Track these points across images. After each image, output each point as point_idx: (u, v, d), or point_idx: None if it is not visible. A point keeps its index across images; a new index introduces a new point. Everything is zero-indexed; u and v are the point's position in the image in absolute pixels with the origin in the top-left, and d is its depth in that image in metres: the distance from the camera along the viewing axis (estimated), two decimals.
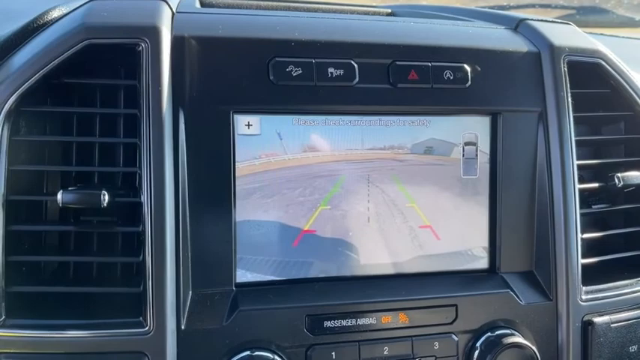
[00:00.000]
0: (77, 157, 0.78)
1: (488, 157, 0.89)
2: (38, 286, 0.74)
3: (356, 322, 0.79)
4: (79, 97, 0.78)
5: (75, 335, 0.70)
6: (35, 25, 0.80)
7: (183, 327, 0.74)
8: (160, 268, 0.72)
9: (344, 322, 0.79)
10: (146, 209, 0.73)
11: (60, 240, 0.78)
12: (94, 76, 0.77)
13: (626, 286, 0.91)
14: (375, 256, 0.85)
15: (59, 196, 0.71)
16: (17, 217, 0.73)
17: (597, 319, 0.86)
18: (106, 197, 0.72)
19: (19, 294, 0.73)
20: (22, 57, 0.76)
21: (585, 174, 0.92)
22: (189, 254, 0.76)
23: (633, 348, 0.89)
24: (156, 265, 0.72)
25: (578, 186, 0.88)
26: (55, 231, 0.77)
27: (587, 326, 0.86)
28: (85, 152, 0.79)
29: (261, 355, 0.74)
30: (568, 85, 0.89)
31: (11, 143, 0.72)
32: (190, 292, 0.76)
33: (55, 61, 0.73)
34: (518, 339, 0.81)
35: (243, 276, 0.81)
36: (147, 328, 0.72)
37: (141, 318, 0.72)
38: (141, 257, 0.73)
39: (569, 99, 0.89)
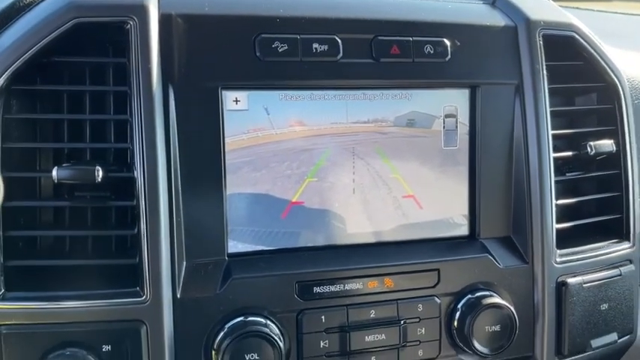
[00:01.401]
0: (69, 135, 0.80)
1: (468, 128, 0.92)
2: (35, 260, 0.77)
3: (344, 287, 0.83)
4: (68, 75, 0.79)
5: (74, 305, 0.73)
6: (21, 4, 0.81)
7: (178, 295, 0.77)
8: (154, 239, 0.75)
9: (332, 288, 0.83)
10: (139, 184, 0.75)
11: (55, 216, 0.80)
12: (83, 55, 0.78)
13: (597, 248, 0.96)
14: (360, 226, 0.89)
15: (54, 172, 0.73)
16: (12, 194, 0.75)
17: (571, 280, 0.92)
18: (100, 172, 0.74)
19: (17, 268, 0.75)
20: (9, 37, 0.77)
21: (559, 143, 0.96)
22: (182, 226, 0.79)
23: (604, 306, 0.94)
24: (151, 237, 0.75)
25: (552, 155, 0.92)
26: (50, 207, 0.79)
27: (561, 287, 0.91)
28: (76, 130, 0.80)
29: (255, 321, 0.78)
30: (543, 57, 0.92)
31: (3, 121, 0.74)
32: (184, 262, 0.79)
33: (44, 41, 0.74)
34: (497, 300, 0.86)
35: (234, 247, 0.84)
36: (144, 297, 0.75)
37: (137, 288, 0.75)
38: (135, 230, 0.75)
39: (545, 71, 0.92)
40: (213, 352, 0.77)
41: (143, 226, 0.75)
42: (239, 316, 0.78)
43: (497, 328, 0.86)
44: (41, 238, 0.79)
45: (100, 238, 0.79)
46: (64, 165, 0.74)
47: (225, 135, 0.82)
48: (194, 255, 0.80)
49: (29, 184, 0.78)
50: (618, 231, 1.00)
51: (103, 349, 0.73)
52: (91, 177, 0.73)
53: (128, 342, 0.74)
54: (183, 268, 0.78)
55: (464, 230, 0.93)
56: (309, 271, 0.82)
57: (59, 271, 0.77)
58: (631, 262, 0.99)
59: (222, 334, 0.77)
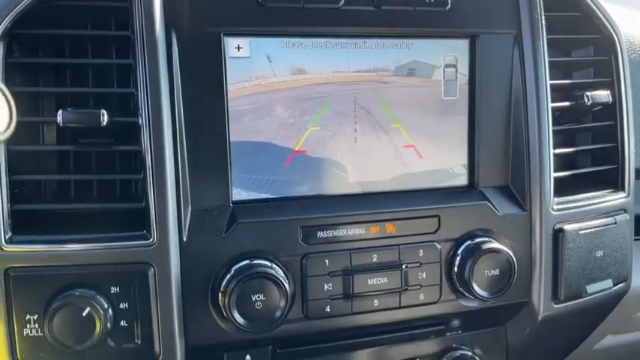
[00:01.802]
0: (72, 82, 0.79)
1: (467, 79, 0.93)
2: (42, 204, 0.77)
3: (347, 232, 0.85)
4: (71, 20, 0.79)
5: (82, 248, 0.74)
6: None
7: (185, 239, 0.78)
8: (160, 183, 0.76)
9: (335, 233, 0.84)
10: (144, 128, 0.76)
11: (59, 163, 0.80)
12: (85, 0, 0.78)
13: (593, 197, 0.98)
14: (362, 175, 0.90)
15: (59, 115, 0.73)
16: (17, 139, 0.75)
17: (567, 227, 0.94)
18: (105, 116, 0.74)
19: (24, 213, 0.75)
20: None
21: (557, 95, 0.97)
22: (187, 173, 0.79)
23: (599, 253, 0.97)
24: (156, 181, 0.76)
25: (550, 104, 0.93)
26: (55, 153, 0.79)
27: (558, 233, 0.93)
28: (78, 78, 0.80)
29: (260, 263, 0.79)
30: (542, 8, 0.93)
31: (6, 65, 0.74)
32: (190, 208, 0.80)
33: None
34: (496, 245, 0.88)
35: (239, 194, 0.85)
36: (151, 240, 0.76)
37: (144, 231, 0.76)
38: (141, 175, 0.76)
39: (543, 21, 0.93)
40: (220, 294, 0.78)
41: (149, 170, 0.76)
42: (244, 259, 0.80)
43: (496, 272, 0.88)
44: (46, 184, 0.80)
45: (104, 185, 0.80)
46: (68, 109, 0.74)
47: (228, 82, 0.82)
48: (199, 201, 0.81)
49: (34, 130, 0.78)
50: (613, 181, 1.02)
51: (112, 291, 0.74)
52: (96, 120, 0.74)
53: (136, 284, 0.75)
54: (189, 214, 0.79)
55: (463, 180, 0.95)
56: (312, 216, 0.83)
57: (65, 217, 0.78)
58: (626, 211, 1.01)
59: (228, 276, 0.78)
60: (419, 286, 0.87)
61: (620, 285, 1.02)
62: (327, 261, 0.83)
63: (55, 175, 0.79)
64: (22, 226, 0.75)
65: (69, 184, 0.79)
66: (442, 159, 0.93)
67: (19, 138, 0.75)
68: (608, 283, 0.99)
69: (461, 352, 0.98)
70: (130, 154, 0.79)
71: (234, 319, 0.77)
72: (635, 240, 1.07)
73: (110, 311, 0.74)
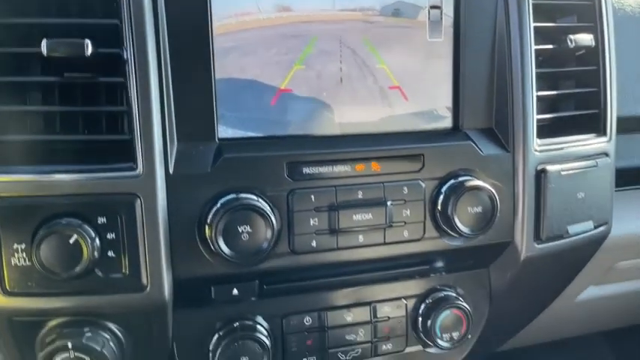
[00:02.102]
0: (56, 13, 0.79)
1: (452, 20, 0.94)
2: (27, 135, 0.77)
3: (332, 169, 0.86)
4: None
5: (68, 178, 0.74)
6: None
7: (171, 172, 0.78)
8: (146, 115, 0.76)
9: (321, 169, 0.85)
10: (129, 60, 0.76)
11: (43, 96, 0.80)
12: None
13: (575, 141, 1.00)
14: (348, 115, 0.91)
15: (43, 46, 0.73)
16: (1, 71, 0.75)
17: (550, 168, 0.95)
18: (89, 47, 0.74)
19: (9, 144, 0.76)
20: None
21: (541, 38, 0.98)
22: (173, 108, 0.80)
23: (580, 194, 0.99)
24: (142, 113, 0.76)
25: (534, 47, 0.94)
26: (40, 86, 0.79)
27: (540, 174, 0.95)
28: (63, 9, 0.80)
29: (246, 197, 0.80)
30: None
31: None
32: (175, 142, 0.80)
33: None
34: (479, 182, 0.89)
35: (224, 132, 0.85)
36: (137, 171, 0.76)
37: (131, 163, 0.77)
38: (126, 106, 0.76)
39: None
40: (207, 227, 0.79)
41: (134, 101, 0.76)
42: (231, 193, 0.80)
43: (479, 209, 0.89)
44: (31, 119, 0.80)
45: (90, 119, 0.80)
46: (53, 39, 0.74)
47: (213, 19, 0.82)
48: (185, 137, 0.81)
49: (18, 63, 0.78)
50: (595, 126, 1.03)
51: (99, 221, 0.75)
52: (80, 51, 0.74)
53: (123, 215, 0.76)
54: (175, 148, 0.80)
55: (448, 122, 0.96)
56: (298, 152, 0.84)
57: (51, 150, 0.78)
58: (607, 155, 1.03)
59: (214, 209, 0.79)
60: (403, 223, 0.89)
61: (601, 228, 1.05)
62: (312, 197, 0.84)
63: (40, 106, 0.79)
64: (7, 156, 0.75)
65: (54, 118, 0.79)
66: (427, 101, 0.94)
67: (3, 70, 0.75)
68: (589, 224, 1.01)
69: (445, 292, 1.00)
70: (115, 87, 0.79)
71: (221, 249, 0.78)
72: (617, 191, 1.09)
73: (97, 241, 0.74)
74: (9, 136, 0.76)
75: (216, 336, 0.88)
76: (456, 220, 0.88)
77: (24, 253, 0.74)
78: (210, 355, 0.88)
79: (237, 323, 0.89)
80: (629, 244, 1.23)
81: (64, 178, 0.74)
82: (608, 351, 2.24)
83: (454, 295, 1.00)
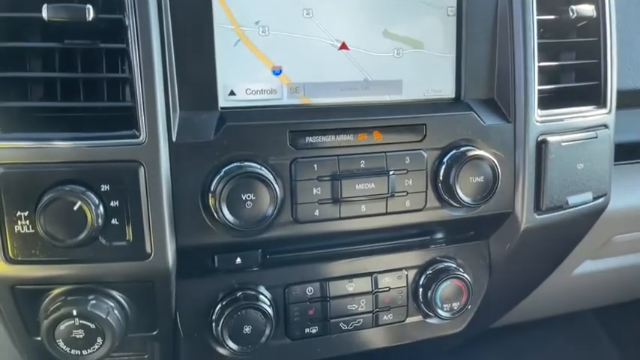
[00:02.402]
0: None
1: None
2: (28, 102, 0.77)
3: (335, 138, 0.85)
4: None
5: (71, 145, 0.74)
6: None
7: (174, 139, 0.78)
8: (149, 82, 0.76)
9: (324, 138, 0.85)
10: (131, 26, 0.75)
11: (44, 63, 0.79)
12: None
13: (575, 112, 1.00)
14: (350, 85, 0.90)
15: (44, 10, 0.72)
16: (1, 37, 0.74)
17: (550, 139, 0.96)
18: (91, 11, 0.73)
19: (10, 111, 0.75)
20: None
21: (543, 8, 0.97)
22: (175, 76, 0.79)
23: (580, 166, 0.99)
24: (145, 80, 0.75)
25: (536, 17, 0.94)
26: (40, 53, 0.78)
27: (541, 145, 0.95)
28: None
29: (250, 165, 0.80)
30: None
31: None
32: (178, 111, 0.80)
33: None
34: (481, 152, 0.90)
35: (226, 102, 0.85)
36: (140, 138, 0.76)
37: (134, 130, 0.76)
38: (128, 73, 0.76)
39: None
40: (210, 195, 0.79)
41: (136, 68, 0.75)
42: (234, 162, 0.80)
43: (480, 179, 0.90)
44: (32, 87, 0.79)
45: (91, 86, 0.79)
46: (53, 4, 0.73)
47: None
48: (187, 106, 0.81)
49: (18, 28, 0.77)
50: (595, 98, 1.03)
51: (102, 189, 0.75)
52: (81, 15, 0.73)
53: (126, 182, 0.76)
54: (177, 116, 0.80)
55: (450, 93, 0.96)
56: (301, 121, 0.84)
57: (52, 117, 0.78)
58: (607, 127, 1.03)
59: (217, 177, 0.79)
60: (405, 193, 0.89)
61: (600, 200, 1.05)
62: (315, 166, 0.84)
63: (41, 72, 0.78)
64: (10, 123, 0.74)
65: (55, 86, 0.78)
66: (429, 72, 0.94)
67: (3, 35, 0.74)
68: (589, 195, 1.01)
69: (445, 263, 1.01)
70: (116, 54, 0.79)
71: (225, 217, 0.78)
72: (615, 165, 1.10)
73: (101, 208, 0.74)
74: (9, 103, 0.75)
75: (219, 306, 0.89)
76: (458, 190, 0.89)
77: (27, 221, 0.74)
78: (213, 324, 0.88)
79: (240, 293, 0.89)
80: (626, 217, 1.25)
81: (65, 145, 0.74)
82: (598, 328, 2.27)
83: (454, 266, 1.01)
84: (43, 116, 0.78)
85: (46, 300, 0.79)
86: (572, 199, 0.99)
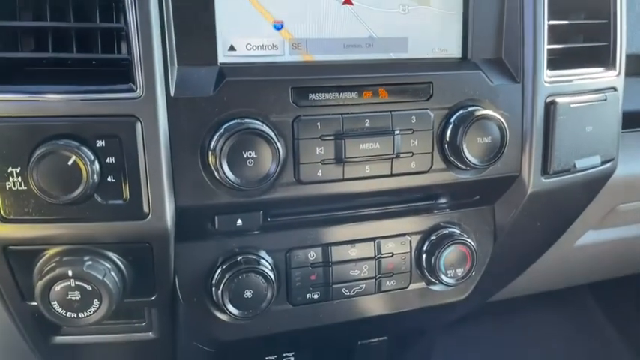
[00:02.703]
0: None
1: None
2: (19, 52, 0.73)
3: (339, 95, 0.82)
4: None
5: (65, 98, 0.71)
6: None
7: (172, 94, 0.75)
8: (145, 33, 0.72)
9: (328, 96, 0.82)
10: None
11: (35, 14, 0.75)
12: None
13: (585, 73, 0.98)
14: (354, 42, 0.87)
15: None
16: None
17: (559, 100, 0.93)
18: None
19: (2, 63, 0.71)
20: None
21: None
22: (172, 29, 0.76)
23: (589, 128, 0.97)
24: (141, 31, 0.72)
25: None
26: (30, 2, 0.74)
27: (549, 106, 0.93)
28: None
29: (251, 122, 0.77)
30: None
31: None
32: (176, 65, 0.77)
33: None
34: (489, 112, 0.87)
35: (226, 57, 0.82)
36: (137, 92, 0.73)
37: (130, 84, 0.73)
38: (123, 22, 0.72)
39: None
40: (210, 153, 0.76)
41: (132, 18, 0.72)
42: (234, 118, 0.77)
43: (488, 140, 0.87)
44: (23, 40, 0.75)
45: (84, 39, 0.76)
46: None
47: None
48: (185, 61, 0.78)
49: None
50: (605, 60, 1.01)
51: (97, 144, 0.72)
52: None
53: (123, 138, 0.73)
54: (175, 70, 0.76)
55: (457, 53, 0.93)
56: (304, 77, 0.81)
57: (46, 70, 0.74)
58: (615, 89, 1.01)
59: (217, 134, 0.76)
60: (410, 154, 0.86)
61: (607, 165, 1.03)
62: (318, 124, 0.81)
63: (31, 21, 0.74)
64: (2, 76, 0.71)
65: (46, 38, 0.75)
66: (436, 30, 0.91)
67: None
68: (596, 159, 0.99)
69: (450, 229, 0.99)
70: (110, 6, 0.75)
71: (226, 176, 0.75)
72: (623, 132, 1.08)
73: (97, 164, 0.71)
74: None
75: (219, 270, 0.86)
76: (465, 151, 0.86)
77: (19, 177, 0.71)
78: (214, 288, 0.86)
79: (241, 257, 0.87)
80: (631, 185, 1.23)
81: (59, 98, 0.71)
82: (593, 303, 2.28)
83: (459, 231, 0.99)
84: (34, 70, 0.75)
85: (41, 261, 0.76)
86: (579, 163, 0.97)
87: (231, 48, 0.82)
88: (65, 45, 0.75)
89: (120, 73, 0.74)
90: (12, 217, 0.72)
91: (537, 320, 2.19)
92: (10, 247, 0.75)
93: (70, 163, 0.69)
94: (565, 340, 2.16)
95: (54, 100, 0.71)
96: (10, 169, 0.70)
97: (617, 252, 1.52)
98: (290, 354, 1.14)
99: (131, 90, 0.73)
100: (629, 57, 1.06)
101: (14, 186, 0.71)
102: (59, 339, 0.95)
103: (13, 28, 0.74)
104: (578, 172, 0.98)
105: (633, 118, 1.25)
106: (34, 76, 0.74)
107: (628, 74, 1.05)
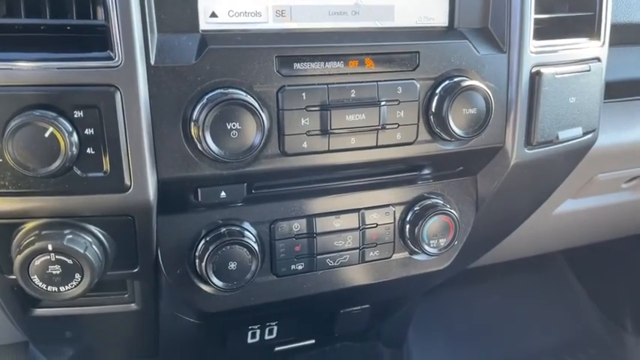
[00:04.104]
0: None
1: None
2: None
3: (324, 65, 0.81)
4: None
5: (40, 66, 0.68)
6: None
7: (152, 63, 0.72)
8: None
9: (313, 65, 0.80)
10: None
11: None
12: None
13: (570, 44, 0.97)
14: (339, 9, 0.85)
15: None
16: None
17: (544, 70, 0.93)
18: None
19: None
20: None
21: None
22: None
23: (572, 99, 0.97)
24: None
25: None
26: None
27: (535, 76, 0.92)
28: None
29: (234, 92, 0.75)
30: None
31: None
32: (156, 32, 0.74)
33: None
34: (475, 82, 0.86)
35: (208, 24, 0.79)
36: (116, 60, 0.70)
37: (108, 51, 0.70)
38: None
39: None
40: (192, 124, 0.74)
41: None
42: (217, 88, 0.75)
43: (473, 111, 0.87)
44: None
45: (57, 6, 0.72)
46: None
47: None
48: (164, 28, 0.75)
49: None
50: (589, 30, 1.00)
51: (75, 115, 0.69)
52: None
53: (102, 108, 0.70)
54: (155, 38, 0.74)
55: (443, 21, 0.91)
56: (289, 46, 0.79)
57: (18, 37, 0.71)
58: (599, 60, 1.01)
59: (200, 104, 0.74)
60: (396, 125, 0.85)
61: (589, 136, 1.04)
62: (304, 94, 0.80)
63: None
64: None
65: (18, 3, 0.71)
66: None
67: None
68: (579, 130, 1.00)
69: (433, 200, 0.99)
70: None
71: (209, 147, 0.74)
72: (604, 102, 1.08)
73: (75, 136, 0.69)
74: None
75: (202, 242, 0.86)
76: (450, 122, 0.85)
77: None
78: (197, 261, 0.85)
79: (225, 229, 0.86)
80: (610, 155, 1.25)
81: (33, 66, 0.68)
82: (567, 269, 2.36)
83: (442, 202, 1.00)
84: (5, 36, 0.71)
85: (19, 235, 0.74)
86: (562, 134, 0.98)
87: (213, 14, 0.79)
88: (38, 11, 0.72)
89: (96, 41, 0.71)
90: None
91: (514, 285, 2.26)
92: None
93: (46, 134, 0.66)
94: (540, 303, 2.23)
95: (28, 69, 0.67)
96: None
97: (592, 220, 1.55)
98: (273, 323, 1.15)
99: (109, 58, 0.70)
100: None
101: None
102: (39, 311, 0.93)
103: None
104: (561, 143, 0.99)
105: (613, 88, 1.27)
106: (5, 41, 0.71)
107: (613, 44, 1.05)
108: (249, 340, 1.17)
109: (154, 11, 0.73)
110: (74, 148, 0.69)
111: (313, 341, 1.29)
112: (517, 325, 2.19)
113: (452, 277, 1.29)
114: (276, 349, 1.25)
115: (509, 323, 2.19)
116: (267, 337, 1.18)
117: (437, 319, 2.13)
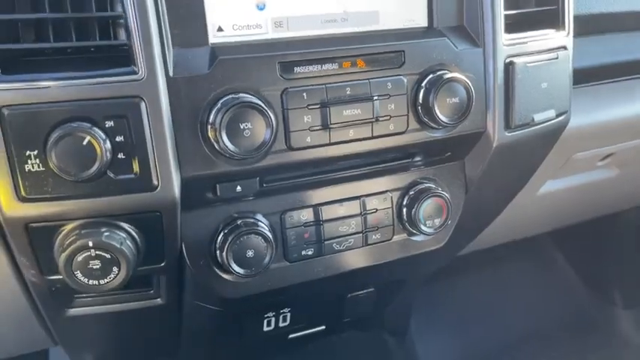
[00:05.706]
0: None
1: None
2: (22, 44, 0.79)
3: (321, 67, 0.90)
4: None
5: (74, 84, 0.77)
6: None
7: (171, 74, 0.82)
8: (143, 18, 0.78)
9: (311, 68, 0.90)
10: None
11: (32, 6, 0.80)
12: None
13: (538, 35, 1.08)
14: (330, 17, 0.95)
15: None
16: None
17: (517, 60, 1.03)
18: None
19: (5, 54, 0.77)
20: None
21: None
22: (166, 14, 0.82)
23: (544, 85, 1.08)
24: (140, 16, 0.78)
25: None
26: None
27: (508, 67, 1.03)
28: None
29: (245, 96, 0.84)
30: None
31: None
32: (171, 47, 0.83)
33: None
34: (456, 74, 0.96)
35: (215, 38, 0.88)
36: (139, 74, 0.79)
37: (132, 67, 0.79)
38: (121, 10, 0.78)
39: None
40: (209, 127, 0.83)
41: (130, 5, 0.78)
42: (229, 94, 0.85)
43: (456, 100, 0.97)
44: (23, 30, 0.80)
45: (82, 27, 0.81)
46: None
47: None
48: (178, 43, 0.84)
49: None
50: (555, 22, 1.11)
51: (107, 125, 0.78)
52: None
53: (129, 118, 0.79)
54: (172, 52, 0.83)
55: (423, 21, 1.01)
56: (289, 52, 0.89)
57: (48, 59, 0.80)
58: (566, 48, 1.12)
59: (215, 109, 0.83)
60: (388, 117, 0.95)
61: (561, 117, 1.15)
62: (305, 94, 0.89)
63: (30, 14, 0.79)
64: (10, 66, 0.76)
65: (46, 29, 0.80)
66: (404, 1, 0.99)
67: None
68: (552, 112, 1.10)
69: (426, 184, 1.09)
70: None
71: (226, 146, 0.83)
72: (575, 87, 1.19)
73: (108, 143, 0.78)
74: (4, 45, 0.77)
75: (221, 234, 0.95)
76: (436, 111, 0.95)
77: (37, 159, 0.77)
78: (218, 252, 0.94)
79: (241, 221, 0.95)
80: (583, 135, 1.36)
81: (68, 84, 0.77)
82: (555, 250, 2.46)
83: (434, 186, 1.09)
84: (37, 60, 0.80)
85: (60, 235, 0.83)
86: (537, 116, 1.08)
87: (220, 29, 0.88)
88: (63, 35, 0.81)
89: (118, 58, 0.80)
90: (31, 196, 0.78)
91: (506, 272, 2.36)
92: (31, 224, 0.81)
93: (84, 142, 0.75)
94: (533, 286, 2.33)
95: (63, 86, 0.76)
96: (27, 152, 0.76)
97: (575, 199, 1.66)
98: (286, 310, 1.24)
99: (134, 72, 0.79)
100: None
101: (32, 167, 0.77)
102: (73, 311, 1.01)
103: (14, 21, 0.79)
104: (537, 124, 1.09)
105: (581, 74, 1.38)
106: (37, 64, 0.79)
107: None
108: (265, 328, 1.26)
109: (169, 29, 0.83)
110: (108, 154, 0.78)
111: (324, 327, 1.38)
112: (512, 309, 2.29)
113: (448, 266, 1.39)
114: (290, 336, 1.34)
115: (504, 308, 2.29)
116: (281, 324, 1.26)
117: (436, 309, 2.23)
